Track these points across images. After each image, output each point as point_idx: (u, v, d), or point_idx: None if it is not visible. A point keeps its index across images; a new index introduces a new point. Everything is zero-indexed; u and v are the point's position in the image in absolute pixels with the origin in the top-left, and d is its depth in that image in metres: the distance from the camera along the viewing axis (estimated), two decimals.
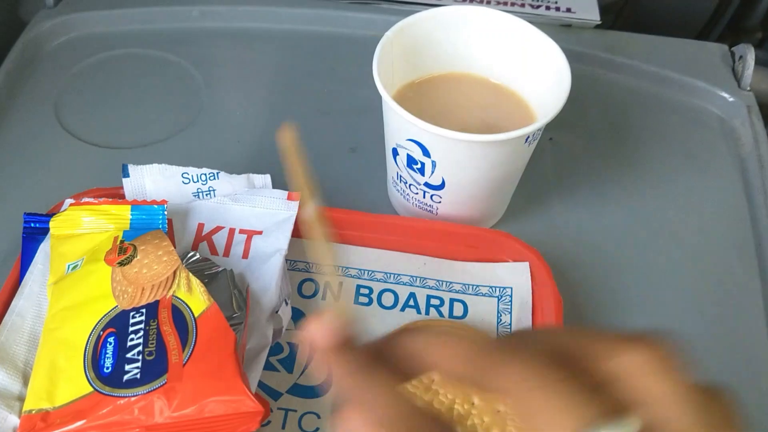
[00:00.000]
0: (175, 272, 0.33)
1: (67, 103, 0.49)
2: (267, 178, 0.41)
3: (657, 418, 0.19)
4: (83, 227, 0.37)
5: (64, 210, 0.37)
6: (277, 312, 0.36)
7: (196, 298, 0.33)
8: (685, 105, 0.52)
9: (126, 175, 0.39)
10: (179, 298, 0.33)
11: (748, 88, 0.52)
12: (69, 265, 0.35)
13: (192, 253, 0.36)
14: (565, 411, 0.18)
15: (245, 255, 0.38)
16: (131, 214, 0.37)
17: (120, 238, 0.35)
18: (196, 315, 0.32)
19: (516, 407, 0.19)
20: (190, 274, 0.33)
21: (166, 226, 0.37)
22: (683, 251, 0.44)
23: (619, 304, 0.41)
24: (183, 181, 0.39)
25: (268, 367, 0.36)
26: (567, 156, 0.48)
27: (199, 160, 0.41)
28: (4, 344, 0.33)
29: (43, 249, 0.36)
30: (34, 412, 0.30)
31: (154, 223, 0.37)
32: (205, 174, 0.40)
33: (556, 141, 0.49)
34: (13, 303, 0.34)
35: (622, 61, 0.53)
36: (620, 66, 0.53)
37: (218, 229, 0.39)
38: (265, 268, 0.37)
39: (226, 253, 0.38)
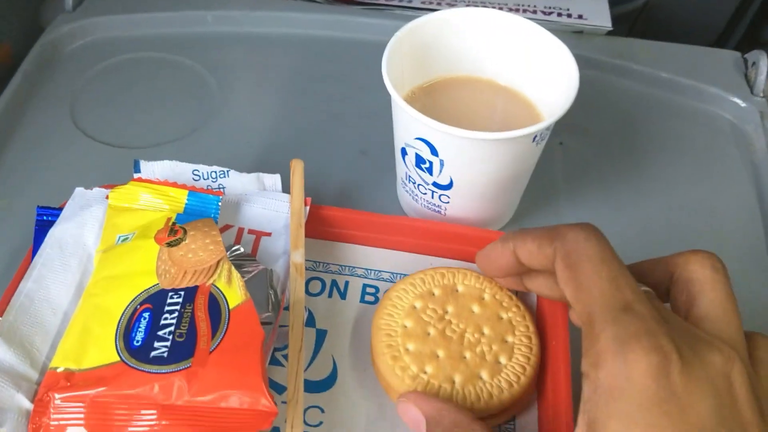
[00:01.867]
0: (218, 262, 0.34)
1: (82, 104, 0.50)
2: (277, 178, 0.42)
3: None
4: (140, 203, 0.38)
5: (125, 184, 0.38)
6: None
7: (234, 291, 0.33)
8: (697, 111, 0.52)
9: (137, 170, 0.39)
10: (218, 288, 0.33)
11: (761, 94, 0.51)
12: (120, 237, 0.36)
13: (236, 247, 0.37)
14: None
15: (253, 255, 0.39)
16: (187, 199, 0.38)
17: (173, 220, 0.36)
18: (231, 307, 0.33)
19: None
20: (233, 268, 0.34)
21: (218, 215, 0.38)
22: None
23: None
24: (193, 178, 0.40)
25: (274, 362, 0.36)
26: (577, 160, 0.48)
27: (210, 159, 0.41)
28: (12, 324, 0.33)
29: (52, 234, 0.37)
30: (59, 370, 0.31)
31: (207, 211, 0.38)
32: (216, 171, 0.40)
33: (566, 145, 0.49)
34: (21, 285, 0.35)
35: (633, 67, 0.53)
36: (632, 72, 0.53)
37: (227, 227, 0.39)
38: (273, 270, 0.37)
39: None
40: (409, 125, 0.37)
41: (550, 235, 0.28)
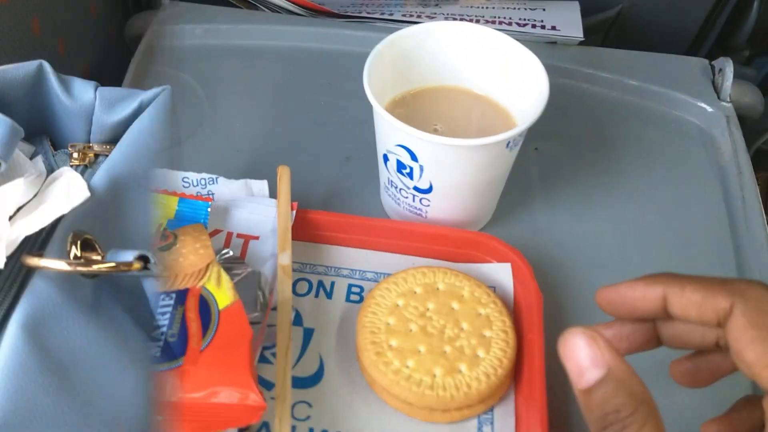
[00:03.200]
0: (208, 265, 0.36)
1: None
2: (264, 184, 0.43)
3: None
4: None
5: None
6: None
7: (223, 293, 0.35)
8: (666, 116, 0.54)
9: None
10: (207, 290, 0.35)
11: (728, 100, 0.54)
12: None
13: (226, 251, 0.39)
14: None
15: (242, 258, 0.40)
16: (178, 206, 0.39)
17: (164, 226, 0.38)
18: (220, 308, 0.34)
19: None
20: (222, 270, 0.35)
21: (207, 221, 0.39)
22: (663, 255, 0.45)
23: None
24: (183, 185, 0.41)
25: (263, 360, 0.37)
26: (551, 165, 0.50)
27: (199, 167, 0.43)
28: None
29: None
30: None
31: (197, 217, 0.39)
32: (205, 179, 0.42)
33: (541, 151, 0.51)
34: None
35: (605, 75, 0.55)
36: (603, 80, 0.55)
37: (216, 232, 0.41)
38: (261, 272, 0.39)
39: None
40: (390, 133, 0.39)
41: (723, 288, 0.26)
